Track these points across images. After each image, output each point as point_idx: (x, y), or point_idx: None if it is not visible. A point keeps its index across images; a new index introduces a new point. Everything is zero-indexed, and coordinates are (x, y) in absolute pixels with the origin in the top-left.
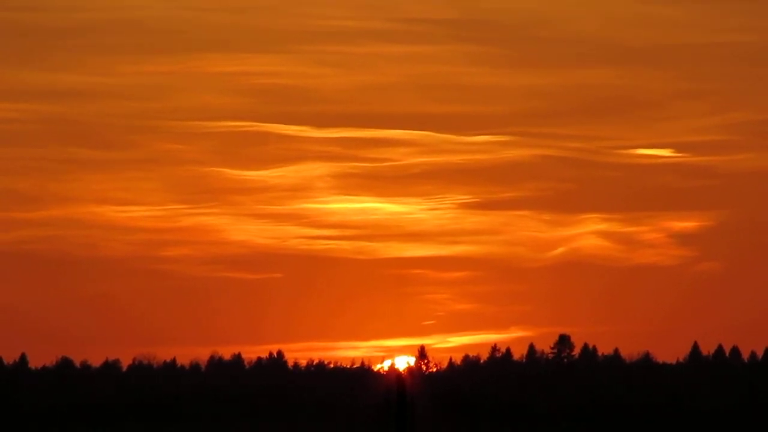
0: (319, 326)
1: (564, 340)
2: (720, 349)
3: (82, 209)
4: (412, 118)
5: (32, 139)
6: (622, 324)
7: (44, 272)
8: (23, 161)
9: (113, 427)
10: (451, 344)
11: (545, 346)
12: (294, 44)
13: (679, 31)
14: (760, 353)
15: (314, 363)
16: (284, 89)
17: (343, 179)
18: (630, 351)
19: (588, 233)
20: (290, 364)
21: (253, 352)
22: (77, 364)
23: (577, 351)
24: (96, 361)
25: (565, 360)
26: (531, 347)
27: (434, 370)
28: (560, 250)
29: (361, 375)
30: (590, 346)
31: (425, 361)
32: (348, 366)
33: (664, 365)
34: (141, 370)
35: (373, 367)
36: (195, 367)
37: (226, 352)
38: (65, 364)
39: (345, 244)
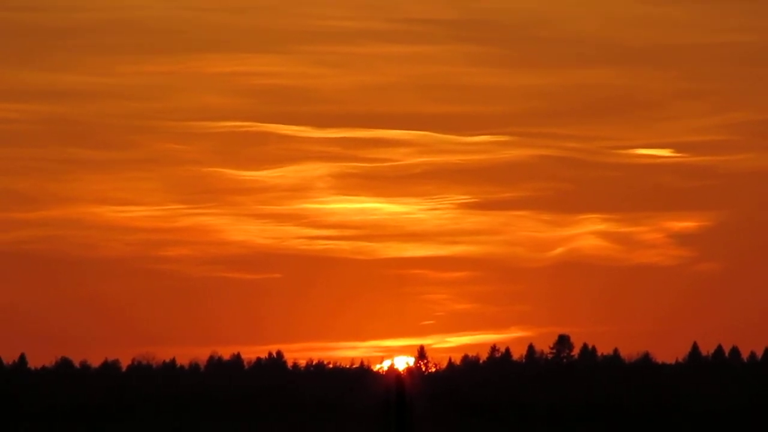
0: (318, 326)
1: (563, 341)
2: (719, 350)
3: (82, 209)
4: (411, 118)
5: (32, 139)
6: (621, 324)
7: (43, 272)
8: (23, 161)
9: (112, 428)
10: (451, 344)
11: (544, 346)
12: (294, 44)
13: (679, 31)
14: (759, 353)
15: (314, 363)
16: (284, 89)
17: (343, 179)
18: (629, 351)
19: (587, 233)
20: (290, 364)
21: (253, 352)
22: (76, 364)
23: (576, 351)
24: (95, 362)
25: (565, 360)
26: (530, 347)
27: (433, 370)
28: (559, 250)
29: (361, 375)
30: (590, 347)
31: (424, 362)
32: (347, 366)
33: (664, 365)
34: (140, 370)
35: (372, 367)
36: (194, 367)
37: (226, 353)
38: (64, 364)
39: (344, 245)
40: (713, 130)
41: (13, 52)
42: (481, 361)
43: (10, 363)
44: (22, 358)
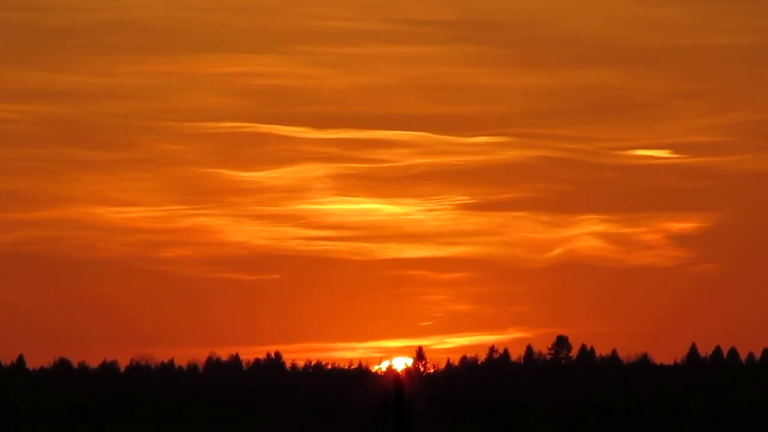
0: (316, 327)
1: (562, 341)
2: (718, 351)
3: (81, 210)
4: (410, 119)
5: (31, 140)
6: (619, 325)
7: (42, 273)
8: (22, 161)
9: (111, 428)
10: (449, 345)
11: (543, 347)
12: (293, 45)
13: (679, 32)
14: (757, 354)
15: (312, 364)
16: (283, 90)
17: (342, 180)
18: (628, 352)
19: (586, 234)
20: (288, 365)
21: (251, 353)
22: (75, 364)
23: (574, 352)
24: (94, 362)
25: (563, 361)
26: (529, 348)
27: (432, 371)
28: (558, 251)
29: (359, 376)
30: (588, 347)
31: (423, 362)
32: (346, 367)
33: (662, 366)
34: (139, 370)
35: (371, 368)
36: (193, 367)
37: (224, 353)
38: (63, 364)
39: (343, 245)
40: (712, 131)
41: (13, 52)
42: (479, 362)
43: (8, 364)
44: (21, 358)
